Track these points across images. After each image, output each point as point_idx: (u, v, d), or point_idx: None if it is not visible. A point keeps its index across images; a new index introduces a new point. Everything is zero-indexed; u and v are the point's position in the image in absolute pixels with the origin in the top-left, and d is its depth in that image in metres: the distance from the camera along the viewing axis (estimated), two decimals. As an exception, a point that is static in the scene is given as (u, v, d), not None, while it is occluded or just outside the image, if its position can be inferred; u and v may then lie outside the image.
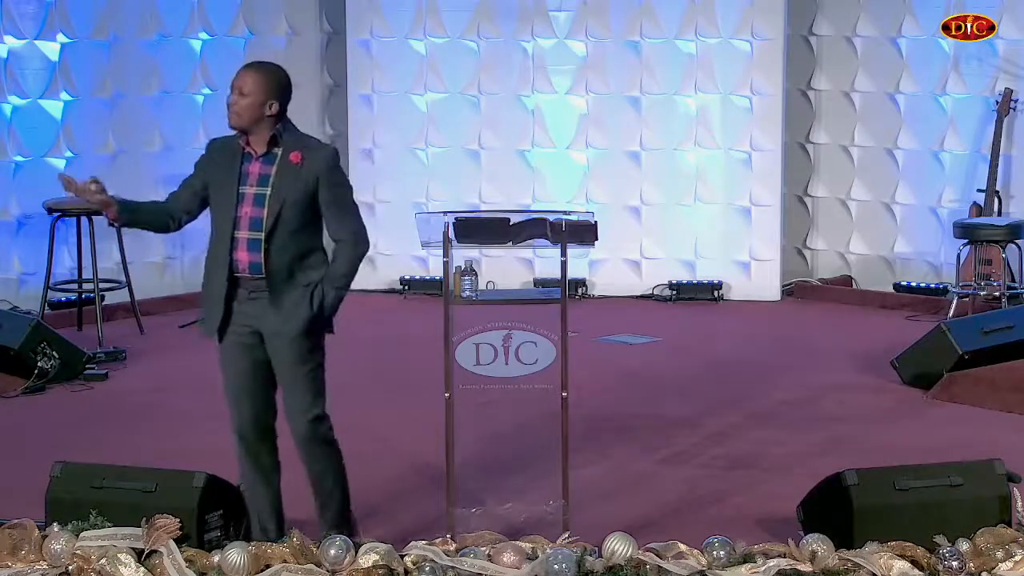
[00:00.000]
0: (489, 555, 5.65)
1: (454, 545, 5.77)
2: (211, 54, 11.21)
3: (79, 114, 10.72)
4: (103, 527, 5.72)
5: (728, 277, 11.40)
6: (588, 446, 7.30)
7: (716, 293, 11.32)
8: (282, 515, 5.98)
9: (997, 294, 10.30)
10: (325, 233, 5.86)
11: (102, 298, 10.06)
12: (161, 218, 5.95)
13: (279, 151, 5.76)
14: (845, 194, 11.51)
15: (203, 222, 5.97)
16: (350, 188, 5.86)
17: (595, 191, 11.46)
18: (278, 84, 5.77)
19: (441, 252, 6.02)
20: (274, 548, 5.64)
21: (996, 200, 10.56)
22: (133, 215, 5.94)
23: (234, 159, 5.80)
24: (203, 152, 5.95)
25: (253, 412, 5.86)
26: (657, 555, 5.61)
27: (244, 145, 5.79)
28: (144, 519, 5.70)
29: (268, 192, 5.73)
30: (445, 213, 6.09)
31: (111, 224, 6.22)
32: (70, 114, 10.67)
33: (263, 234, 5.71)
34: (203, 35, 11.21)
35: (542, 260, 10.67)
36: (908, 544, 5.66)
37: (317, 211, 5.78)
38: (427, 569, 5.57)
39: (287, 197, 5.71)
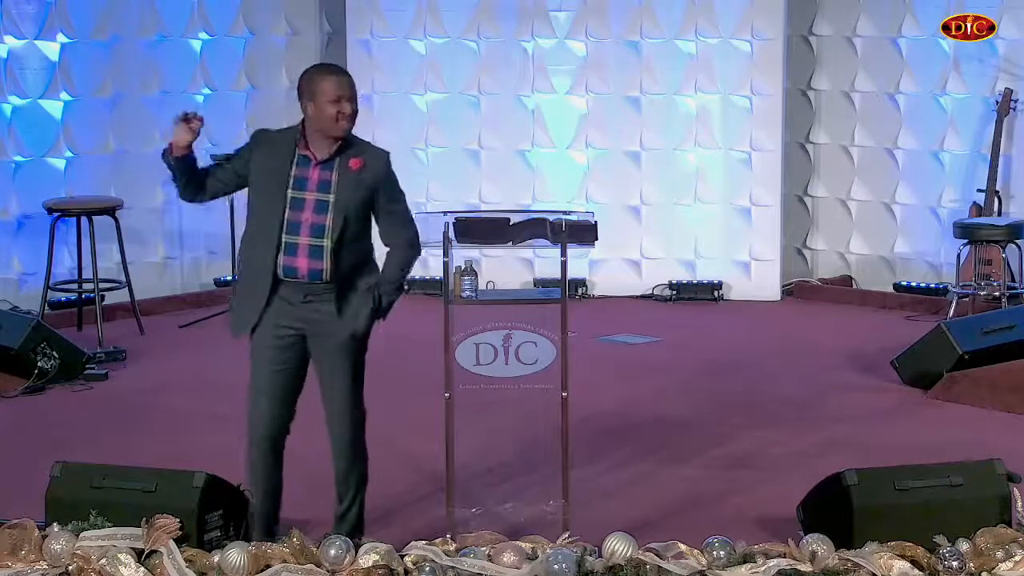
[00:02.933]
0: (489, 555, 5.64)
1: (454, 545, 5.77)
2: (211, 54, 11.18)
3: (79, 114, 10.71)
4: (103, 527, 5.71)
5: (728, 277, 11.39)
6: (588, 446, 7.30)
7: (716, 293, 11.31)
8: (271, 528, 5.94)
9: (997, 294, 10.30)
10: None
11: (102, 298, 10.05)
12: (202, 180, 5.84)
13: (339, 157, 5.72)
14: (845, 194, 11.50)
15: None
16: (404, 193, 5.86)
17: (595, 191, 11.45)
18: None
19: (441, 252, 6.02)
20: (274, 548, 5.64)
21: (996, 200, 10.56)
22: (190, 164, 5.78)
23: (284, 160, 5.72)
24: (248, 141, 5.85)
25: (270, 412, 5.84)
26: (657, 555, 5.61)
27: (303, 148, 5.73)
28: (144, 519, 5.69)
29: (331, 199, 5.68)
30: (445, 213, 6.09)
31: (169, 155, 5.75)
32: (70, 114, 10.66)
33: (327, 241, 5.68)
34: (203, 35, 11.18)
35: (542, 260, 10.64)
36: (908, 544, 5.65)
37: (370, 217, 5.78)
38: (427, 569, 5.57)
39: (350, 205, 5.69)
